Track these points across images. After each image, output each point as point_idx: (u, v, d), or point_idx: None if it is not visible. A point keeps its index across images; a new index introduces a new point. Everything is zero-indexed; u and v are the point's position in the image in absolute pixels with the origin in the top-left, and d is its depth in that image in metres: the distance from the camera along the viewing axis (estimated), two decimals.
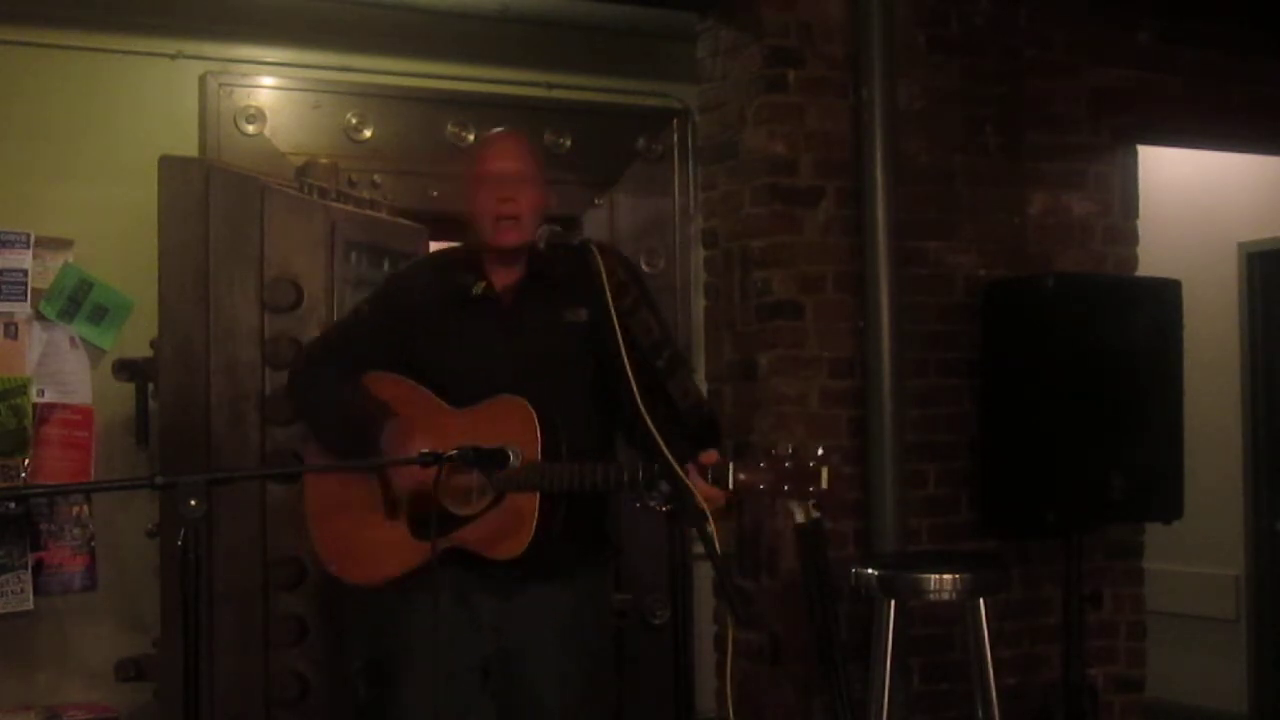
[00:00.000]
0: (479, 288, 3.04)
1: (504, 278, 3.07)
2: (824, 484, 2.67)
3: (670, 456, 2.63)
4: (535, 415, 2.87)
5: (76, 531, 4.24)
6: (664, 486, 2.65)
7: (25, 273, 4.16)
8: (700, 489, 2.69)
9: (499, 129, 3.30)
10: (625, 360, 2.69)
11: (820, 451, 2.69)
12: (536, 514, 2.85)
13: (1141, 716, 4.91)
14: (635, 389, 2.67)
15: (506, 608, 2.99)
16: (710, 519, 2.66)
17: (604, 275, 2.77)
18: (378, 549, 2.99)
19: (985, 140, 4.70)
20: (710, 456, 2.75)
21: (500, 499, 2.88)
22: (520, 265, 3.07)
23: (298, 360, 3.30)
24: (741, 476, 2.71)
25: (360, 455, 2.99)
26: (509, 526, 2.88)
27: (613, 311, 2.73)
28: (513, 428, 2.84)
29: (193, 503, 2.27)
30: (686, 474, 2.68)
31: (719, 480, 2.72)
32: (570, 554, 2.99)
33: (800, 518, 3.90)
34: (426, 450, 2.67)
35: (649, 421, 2.63)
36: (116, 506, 4.40)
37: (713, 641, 4.62)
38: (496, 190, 3.01)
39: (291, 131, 4.90)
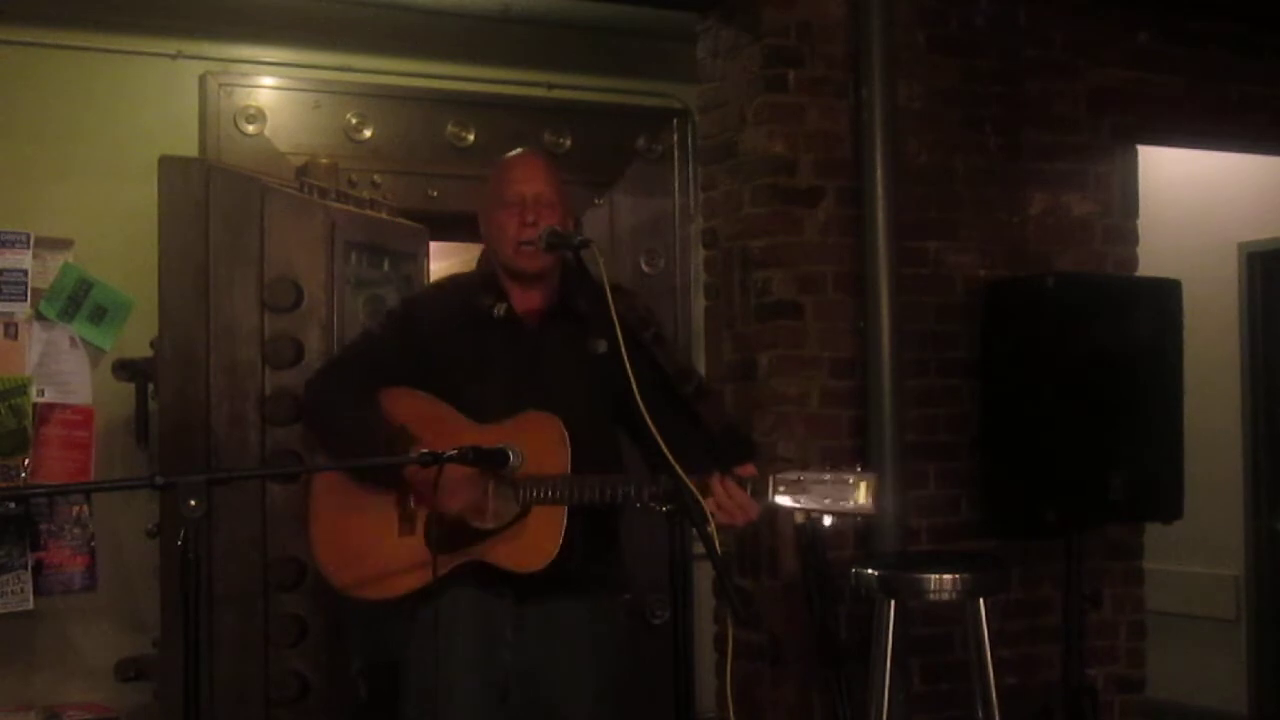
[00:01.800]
0: (501, 309, 3.01)
1: (525, 301, 3.04)
2: (861, 499, 2.69)
3: (668, 452, 2.64)
4: (566, 431, 2.86)
5: (76, 531, 4.23)
6: (684, 499, 2.66)
7: (25, 273, 4.16)
8: (739, 500, 2.73)
9: (520, 150, 3.22)
10: (625, 358, 2.69)
11: (859, 468, 2.72)
12: (563, 527, 2.84)
13: (1141, 716, 4.91)
14: (635, 385, 2.67)
15: (524, 625, 2.97)
16: (711, 520, 2.67)
17: (604, 273, 2.78)
18: (391, 565, 2.93)
19: (985, 140, 4.70)
20: (748, 469, 2.78)
21: (525, 513, 2.87)
22: (541, 290, 3.05)
23: (313, 381, 3.20)
24: (781, 489, 2.75)
25: (387, 478, 2.93)
26: (534, 540, 2.86)
27: (612, 305, 2.73)
28: (543, 441, 2.84)
29: (193, 503, 2.27)
30: (724, 486, 2.73)
31: (759, 493, 2.76)
32: (588, 572, 2.98)
33: (800, 518, 3.90)
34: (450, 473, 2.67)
35: (648, 418, 2.64)
36: (116, 506, 4.40)
37: (713, 641, 4.62)
38: (519, 214, 2.98)
39: (291, 131, 4.89)
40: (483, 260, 3.15)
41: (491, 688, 2.95)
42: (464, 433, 2.89)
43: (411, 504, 2.94)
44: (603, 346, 2.96)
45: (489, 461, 2.71)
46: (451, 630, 2.87)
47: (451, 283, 3.30)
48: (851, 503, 2.70)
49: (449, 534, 2.86)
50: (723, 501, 2.76)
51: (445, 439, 2.84)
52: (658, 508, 2.73)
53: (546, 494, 2.83)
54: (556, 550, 2.84)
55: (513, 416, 2.90)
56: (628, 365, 2.68)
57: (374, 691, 3.10)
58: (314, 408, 3.17)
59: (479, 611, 2.93)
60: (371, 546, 2.96)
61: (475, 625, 2.93)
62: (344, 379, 3.09)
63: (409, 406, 2.98)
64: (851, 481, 2.70)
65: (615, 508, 2.90)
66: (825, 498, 2.71)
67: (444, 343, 3.03)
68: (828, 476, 2.71)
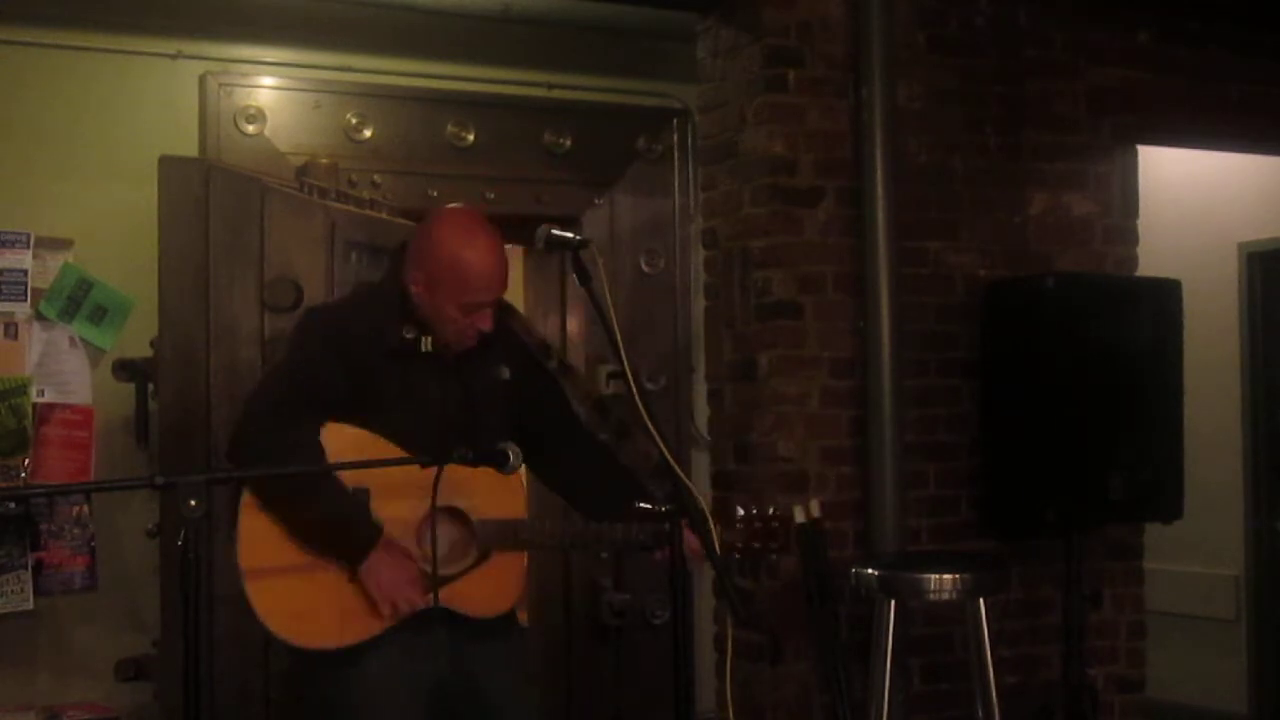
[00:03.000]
0: (427, 343, 2.95)
1: None
2: (792, 534, 2.89)
3: (669, 455, 2.65)
4: (521, 474, 2.84)
5: (76, 531, 4.24)
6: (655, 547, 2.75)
7: (25, 273, 4.16)
8: (690, 543, 2.75)
9: (481, 235, 3.00)
10: (630, 381, 2.71)
11: (793, 507, 2.89)
12: (524, 572, 2.88)
13: (1141, 716, 4.91)
14: (635, 388, 2.68)
15: (464, 656, 2.97)
16: (710, 519, 2.68)
17: (603, 274, 2.80)
18: (340, 612, 2.84)
19: (985, 140, 4.70)
20: (692, 545, 2.81)
21: (484, 557, 2.88)
22: None
23: (245, 426, 2.95)
24: (723, 537, 2.84)
25: (340, 556, 2.83)
26: (497, 584, 2.90)
27: (610, 306, 2.74)
28: (499, 484, 2.82)
29: (193, 503, 2.27)
30: (681, 534, 2.75)
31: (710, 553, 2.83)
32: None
33: (800, 518, 3.91)
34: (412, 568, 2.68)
35: (650, 423, 2.65)
36: (116, 506, 4.40)
37: (713, 641, 4.62)
38: (476, 319, 2.94)
39: (291, 131, 4.89)
40: (392, 280, 3.05)
41: (425, 695, 2.94)
42: (423, 477, 2.77)
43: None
44: (506, 373, 3.04)
45: (490, 462, 2.71)
46: (399, 676, 2.85)
47: (362, 302, 3.14)
48: (785, 540, 2.92)
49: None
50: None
51: (407, 489, 2.79)
52: (640, 548, 2.78)
53: (510, 540, 2.86)
54: (520, 592, 2.86)
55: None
56: (633, 386, 2.69)
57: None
58: (251, 457, 2.89)
59: (423, 653, 2.91)
60: (318, 593, 2.84)
61: (420, 668, 2.90)
62: (282, 423, 2.87)
63: (355, 449, 2.86)
64: (778, 526, 2.89)
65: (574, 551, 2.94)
66: (757, 540, 2.90)
67: (368, 371, 2.92)
68: (758, 523, 2.89)
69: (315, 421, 2.86)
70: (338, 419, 2.88)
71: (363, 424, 2.89)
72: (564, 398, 3.23)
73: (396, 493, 2.81)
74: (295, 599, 2.83)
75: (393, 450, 2.85)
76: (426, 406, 2.94)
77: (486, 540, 2.85)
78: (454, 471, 2.76)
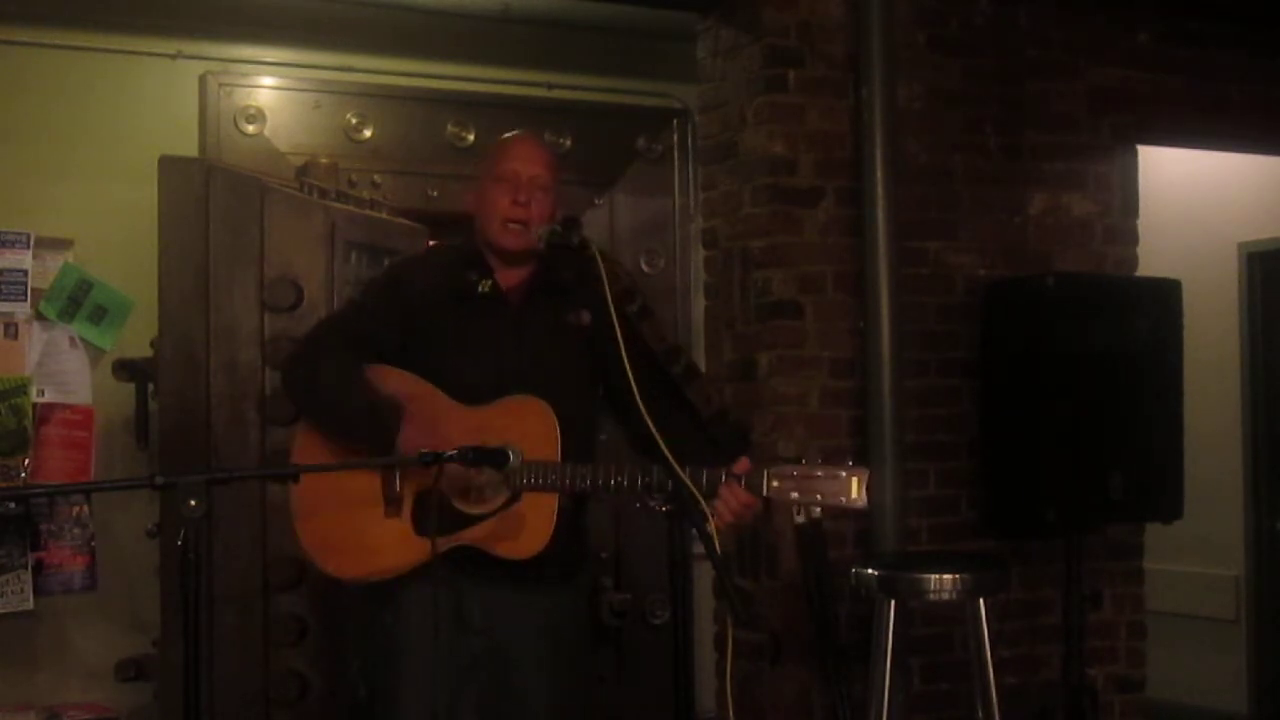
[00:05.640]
0: (486, 286, 3.02)
1: (509, 278, 3.05)
2: (854, 494, 2.70)
3: (668, 452, 2.64)
4: (555, 418, 2.86)
5: (76, 531, 4.23)
6: (683, 498, 2.66)
7: (25, 273, 4.16)
8: (738, 496, 2.73)
9: (521, 131, 3.23)
10: (625, 358, 2.70)
11: (851, 462, 2.74)
12: (555, 514, 2.85)
13: (1141, 716, 4.91)
14: (634, 384, 2.68)
15: (497, 609, 2.97)
16: (710, 519, 2.68)
17: (605, 276, 2.79)
18: (376, 545, 2.92)
19: (985, 140, 4.70)
20: (743, 465, 2.78)
21: (515, 498, 2.87)
22: (526, 266, 3.06)
23: (298, 349, 3.17)
24: (775, 484, 2.75)
25: (374, 447, 2.89)
26: (524, 526, 2.86)
27: (613, 310, 2.74)
28: (533, 427, 2.83)
29: (193, 503, 2.27)
30: (726, 485, 2.72)
31: (753, 487, 2.75)
32: (563, 558, 2.98)
33: (800, 518, 3.90)
34: (439, 448, 2.65)
35: (645, 414, 2.65)
36: (116, 506, 4.40)
37: (713, 641, 4.63)
38: (511, 193, 2.99)
39: (291, 131, 4.89)
40: (469, 234, 3.15)
41: (461, 670, 2.94)
42: (450, 413, 2.89)
43: (397, 486, 2.92)
44: (586, 318, 3.01)
45: (489, 461, 2.70)
46: (423, 617, 2.84)
47: (436, 254, 3.30)
48: (844, 498, 2.71)
49: (438, 517, 2.84)
50: (727, 500, 2.76)
51: (431, 419, 2.85)
52: (656, 506, 2.74)
53: (541, 481, 2.82)
54: (549, 537, 2.84)
55: (500, 399, 2.89)
56: (627, 364, 2.68)
57: (373, 691, 3.09)
58: (297, 375, 3.09)
59: (455, 597, 2.92)
60: (356, 527, 2.94)
61: (447, 612, 2.90)
62: (329, 348, 3.04)
63: (394, 386, 2.95)
64: (844, 476, 2.71)
65: (608, 496, 2.89)
66: (817, 493, 2.72)
67: (427, 316, 3.01)
68: (820, 472, 2.73)
69: (362, 358, 2.98)
70: (386, 361, 2.99)
71: (411, 368, 2.97)
72: (643, 352, 3.11)
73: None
74: (337, 532, 2.95)
75: (437, 394, 2.91)
76: (477, 351, 2.98)
77: (521, 482, 2.84)
78: (487, 413, 2.85)
